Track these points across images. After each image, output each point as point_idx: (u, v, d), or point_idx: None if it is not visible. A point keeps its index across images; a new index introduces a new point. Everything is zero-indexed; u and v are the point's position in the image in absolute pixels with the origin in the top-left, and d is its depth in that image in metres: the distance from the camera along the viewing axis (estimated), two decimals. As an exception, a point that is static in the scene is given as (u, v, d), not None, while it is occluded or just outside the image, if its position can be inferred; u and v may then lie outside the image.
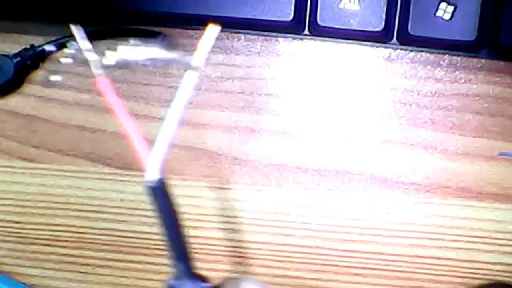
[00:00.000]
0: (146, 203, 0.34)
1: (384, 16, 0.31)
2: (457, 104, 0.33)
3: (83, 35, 0.24)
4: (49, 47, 0.34)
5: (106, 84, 0.23)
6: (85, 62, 0.24)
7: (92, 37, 0.34)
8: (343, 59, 0.33)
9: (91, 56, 0.24)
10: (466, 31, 0.31)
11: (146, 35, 0.34)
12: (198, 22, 0.33)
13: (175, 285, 0.22)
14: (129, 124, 0.23)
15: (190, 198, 0.34)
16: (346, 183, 0.34)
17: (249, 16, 0.32)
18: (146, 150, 0.22)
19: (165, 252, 0.34)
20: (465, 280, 0.33)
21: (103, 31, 0.34)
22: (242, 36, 0.34)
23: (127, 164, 0.34)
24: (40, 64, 0.34)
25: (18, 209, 0.35)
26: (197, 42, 0.24)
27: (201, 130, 0.34)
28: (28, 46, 0.34)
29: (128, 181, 0.34)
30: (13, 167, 0.35)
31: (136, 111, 0.34)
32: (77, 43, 0.24)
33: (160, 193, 0.22)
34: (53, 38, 0.34)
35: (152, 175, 0.22)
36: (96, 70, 0.23)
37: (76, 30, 0.24)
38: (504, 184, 0.33)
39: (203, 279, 0.23)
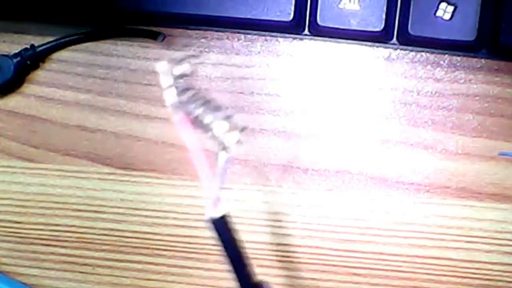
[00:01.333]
0: (146, 203, 0.34)
1: (384, 16, 0.31)
2: (457, 104, 0.33)
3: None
4: (49, 47, 0.34)
5: (183, 122, 0.24)
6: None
7: (92, 37, 0.34)
8: (343, 59, 0.33)
9: (171, 95, 0.24)
10: (466, 31, 0.31)
11: (146, 35, 0.34)
12: (198, 22, 0.33)
13: None
14: (201, 162, 0.24)
15: (190, 198, 0.34)
16: (346, 183, 0.34)
17: (249, 16, 0.32)
18: (212, 188, 0.24)
19: (165, 252, 0.34)
20: (465, 280, 0.33)
21: (103, 31, 0.34)
22: (242, 36, 0.34)
23: (127, 164, 0.34)
24: (40, 64, 0.34)
25: (18, 209, 0.35)
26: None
27: (201, 130, 0.34)
28: (28, 46, 0.34)
29: (128, 181, 0.34)
30: (13, 167, 0.35)
31: (136, 111, 0.34)
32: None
33: (223, 228, 0.24)
34: (53, 38, 0.34)
35: (215, 211, 0.24)
36: (174, 110, 0.24)
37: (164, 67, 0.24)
38: (504, 184, 0.33)
39: None
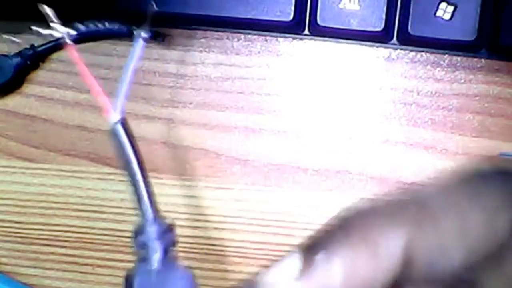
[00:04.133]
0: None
1: (384, 16, 0.31)
2: (457, 104, 0.33)
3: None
4: (49, 47, 0.34)
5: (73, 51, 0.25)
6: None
7: (92, 37, 0.34)
8: (343, 59, 0.33)
9: (61, 29, 0.25)
10: (466, 31, 0.31)
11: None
12: (198, 22, 0.33)
13: (140, 229, 0.22)
14: (91, 80, 0.24)
15: (190, 198, 0.34)
16: (346, 183, 0.34)
17: (249, 16, 0.32)
18: (105, 96, 0.23)
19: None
20: (465, 280, 0.33)
21: (103, 31, 0.34)
22: (242, 36, 0.34)
23: (127, 164, 0.34)
24: (40, 64, 0.34)
25: (18, 209, 0.35)
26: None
27: (201, 130, 0.34)
28: (28, 46, 0.34)
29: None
30: (13, 167, 0.35)
31: (136, 111, 0.34)
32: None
33: (123, 133, 0.23)
34: (53, 38, 0.34)
35: (114, 116, 0.23)
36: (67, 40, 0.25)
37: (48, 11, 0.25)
38: (504, 184, 0.33)
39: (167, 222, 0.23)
